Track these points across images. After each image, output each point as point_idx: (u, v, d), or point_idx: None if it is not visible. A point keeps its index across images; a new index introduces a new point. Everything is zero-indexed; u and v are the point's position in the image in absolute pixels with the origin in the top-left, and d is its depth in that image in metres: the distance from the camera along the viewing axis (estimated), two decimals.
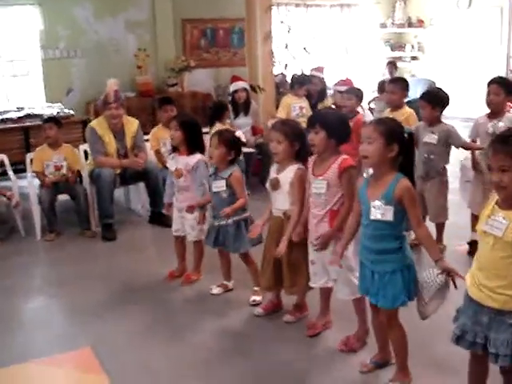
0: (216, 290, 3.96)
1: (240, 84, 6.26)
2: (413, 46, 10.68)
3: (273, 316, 3.62)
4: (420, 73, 10.55)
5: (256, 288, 3.80)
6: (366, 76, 9.73)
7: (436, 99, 4.24)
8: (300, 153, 3.33)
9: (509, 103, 4.82)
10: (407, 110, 4.79)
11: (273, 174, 3.42)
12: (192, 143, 4.01)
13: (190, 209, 4.01)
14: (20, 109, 7.01)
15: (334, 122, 3.07)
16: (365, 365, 3.01)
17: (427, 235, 2.65)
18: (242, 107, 6.17)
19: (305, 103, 6.31)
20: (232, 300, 3.88)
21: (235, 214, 3.70)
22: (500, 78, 4.62)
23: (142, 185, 5.81)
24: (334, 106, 6.14)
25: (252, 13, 7.05)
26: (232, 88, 6.33)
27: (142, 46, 8.71)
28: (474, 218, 4.50)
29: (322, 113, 3.37)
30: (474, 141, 4.43)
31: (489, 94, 4.35)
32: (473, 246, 4.43)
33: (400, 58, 10.64)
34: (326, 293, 3.38)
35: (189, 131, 3.99)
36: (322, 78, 6.46)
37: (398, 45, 10.76)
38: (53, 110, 7.05)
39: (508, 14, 8.85)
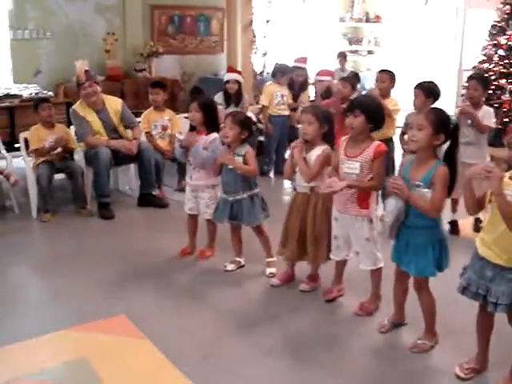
0: (230, 267, 4.20)
1: (232, 75, 6.46)
2: (369, 41, 11.17)
3: (288, 286, 3.94)
4: (375, 67, 11.03)
5: (270, 259, 4.10)
6: (326, 67, 10.10)
7: (430, 90, 4.64)
8: (327, 136, 3.64)
9: None
10: (394, 99, 5.18)
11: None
12: (210, 124, 4.23)
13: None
14: None
15: (373, 108, 3.37)
16: (383, 325, 3.38)
17: (427, 209, 2.94)
18: (233, 98, 6.39)
19: (286, 91, 6.62)
20: (246, 273, 4.16)
21: (249, 189, 3.97)
22: (478, 74, 5.10)
23: (130, 166, 6.00)
24: (314, 95, 6.48)
25: (232, 2, 7.26)
26: (225, 78, 6.54)
27: (110, 30, 8.79)
28: (454, 202, 4.98)
29: (363, 98, 3.64)
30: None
31: (468, 88, 4.83)
32: (453, 225, 4.93)
33: (357, 52, 11.11)
34: (342, 264, 3.73)
35: (208, 112, 4.20)
36: (305, 69, 6.77)
37: (355, 39, 11.23)
38: (30, 90, 7.06)
39: (463, 12, 9.44)
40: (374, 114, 3.35)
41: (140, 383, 2.90)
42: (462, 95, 7.62)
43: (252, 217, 4.00)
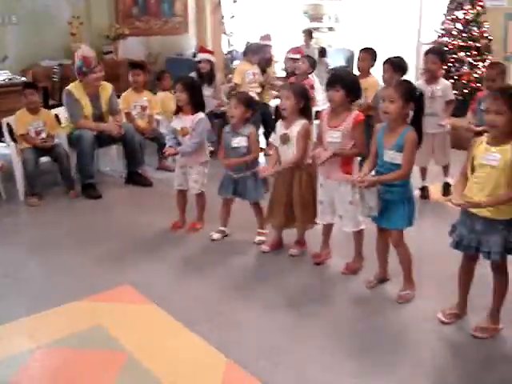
0: (216, 236, 4.47)
1: (204, 55, 6.67)
2: (330, 18, 11.44)
3: (276, 252, 4.23)
4: (336, 43, 11.34)
5: (261, 230, 4.39)
6: (288, 44, 10.36)
7: (398, 64, 4.95)
8: (305, 110, 3.92)
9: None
10: (374, 78, 5.44)
11: (282, 130, 3.99)
12: (196, 103, 4.44)
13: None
14: None
15: (352, 83, 3.68)
16: (369, 281, 3.71)
17: (399, 176, 3.32)
18: (205, 78, 6.58)
19: (257, 70, 6.87)
20: (234, 242, 4.44)
21: (252, 167, 4.22)
22: (435, 48, 5.44)
23: (112, 147, 6.17)
24: (284, 72, 6.75)
25: None
26: (197, 58, 6.73)
27: (75, 14, 8.82)
28: (422, 170, 5.33)
29: (342, 74, 3.91)
30: None
31: (427, 62, 5.17)
32: (423, 190, 5.29)
33: (318, 29, 11.35)
34: (329, 228, 4.03)
35: (193, 92, 4.41)
36: (271, 46, 7.05)
37: (316, 16, 11.48)
38: (1, 77, 7.10)
39: None
40: (352, 88, 3.67)
41: (156, 343, 3.15)
42: (423, 69, 8.00)
43: (255, 193, 4.27)
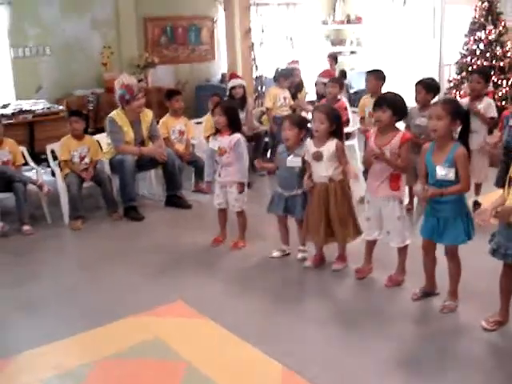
0: (276, 254, 4.60)
1: (237, 81, 6.91)
2: (352, 42, 11.69)
3: (319, 268, 4.38)
4: (358, 66, 11.57)
5: (302, 247, 4.54)
6: (311, 68, 10.62)
7: (430, 85, 5.13)
8: (336, 132, 4.10)
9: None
10: None
11: (312, 148, 4.15)
12: (233, 125, 4.67)
13: (240, 187, 4.65)
14: (6, 105, 7.30)
15: (398, 104, 3.85)
16: (415, 293, 3.84)
17: (460, 189, 3.45)
18: (238, 103, 6.80)
19: (287, 94, 7.11)
20: (277, 258, 4.58)
21: (303, 186, 4.33)
22: (481, 69, 5.64)
23: (150, 171, 6.39)
24: (315, 96, 6.97)
25: (231, 11, 7.74)
26: (230, 84, 6.94)
27: (106, 44, 9.15)
28: (475, 186, 5.44)
29: (389, 95, 4.06)
30: None
31: (471, 82, 5.36)
32: (475, 205, 5.40)
33: (340, 53, 11.60)
34: (373, 244, 4.18)
35: (231, 116, 4.65)
36: (300, 70, 7.31)
37: (338, 40, 11.75)
38: (40, 105, 7.38)
39: (440, 11, 10.02)
40: (399, 108, 3.85)
41: (213, 354, 3.31)
42: (448, 88, 8.21)
43: (303, 211, 4.36)
